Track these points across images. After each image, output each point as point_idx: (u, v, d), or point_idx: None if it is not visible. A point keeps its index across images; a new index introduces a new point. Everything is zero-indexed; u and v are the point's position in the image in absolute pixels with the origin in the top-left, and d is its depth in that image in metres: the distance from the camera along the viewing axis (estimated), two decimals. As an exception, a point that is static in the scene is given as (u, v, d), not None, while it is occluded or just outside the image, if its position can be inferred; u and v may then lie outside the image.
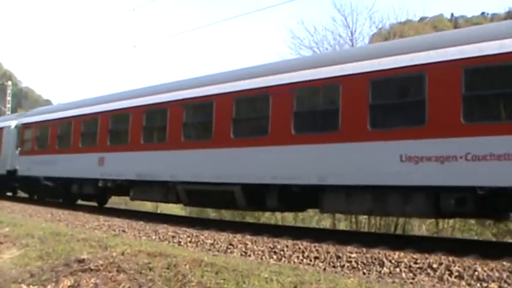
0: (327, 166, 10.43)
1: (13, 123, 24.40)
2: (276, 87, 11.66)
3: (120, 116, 16.56)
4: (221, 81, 13.24)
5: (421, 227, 21.14)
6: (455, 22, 70.48)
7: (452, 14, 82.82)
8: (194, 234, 11.28)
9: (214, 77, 14.31)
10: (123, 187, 16.11)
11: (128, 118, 16.00)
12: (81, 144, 18.36)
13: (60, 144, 19.79)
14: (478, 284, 6.72)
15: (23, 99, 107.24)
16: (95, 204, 20.59)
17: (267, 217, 23.52)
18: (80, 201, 20.78)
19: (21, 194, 26.93)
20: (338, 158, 10.29)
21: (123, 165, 15.89)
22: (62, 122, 19.96)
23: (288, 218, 23.34)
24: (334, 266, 8.23)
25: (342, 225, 21.79)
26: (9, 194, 27.04)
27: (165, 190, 14.26)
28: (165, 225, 13.02)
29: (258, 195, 11.93)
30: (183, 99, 14.02)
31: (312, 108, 11.33)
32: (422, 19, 36.63)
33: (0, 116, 36.16)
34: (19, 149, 22.77)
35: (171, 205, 28.81)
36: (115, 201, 25.89)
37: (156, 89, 15.92)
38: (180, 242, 10.94)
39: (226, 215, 24.91)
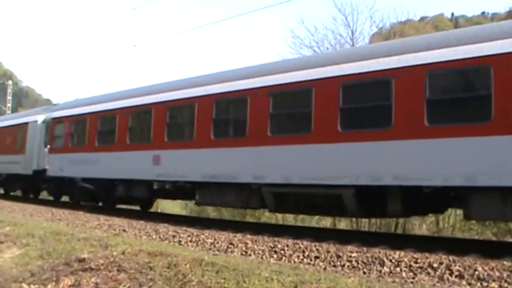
0: (479, 164, 8.56)
1: (40, 118, 22.04)
2: (408, 69, 9.54)
3: (181, 107, 14.27)
4: (322, 65, 11.14)
5: (421, 227, 21.13)
6: (456, 22, 70.48)
7: (452, 14, 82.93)
8: (195, 234, 11.29)
9: (312, 59, 12.28)
10: (186, 190, 14.01)
11: (192, 110, 13.62)
12: (129, 141, 15.94)
13: (102, 140, 17.32)
14: (479, 284, 6.72)
15: (23, 98, 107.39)
16: (137, 208, 19.02)
17: (267, 216, 23.50)
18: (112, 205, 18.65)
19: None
20: (494, 154, 8.42)
21: (186, 164, 13.62)
22: (103, 115, 17.39)
23: (288, 218, 23.32)
24: (334, 266, 8.23)
25: (342, 225, 21.78)
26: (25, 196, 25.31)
27: (246, 194, 12.28)
28: (166, 225, 13.02)
29: (374, 199, 10.15)
30: (270, 86, 11.81)
31: (454, 93, 9.35)
32: (422, 19, 36.68)
33: (0, 116, 36.10)
34: (48, 146, 20.34)
35: (171, 204, 28.77)
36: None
37: (232, 75, 13.49)
38: (180, 241, 10.95)
39: (227, 214, 24.92)
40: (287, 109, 11.92)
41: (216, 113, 13.06)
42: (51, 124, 20.60)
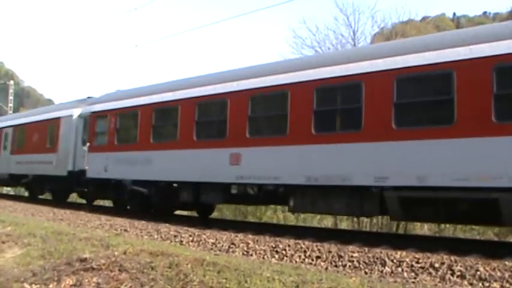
0: None
1: (75, 112, 19.43)
2: None
3: (268, 96, 12.19)
4: (465, 43, 9.30)
5: (422, 227, 21.09)
6: (457, 22, 70.53)
7: (454, 14, 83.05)
8: (196, 234, 11.29)
9: (449, 36, 10.51)
10: (277, 195, 11.96)
11: (284, 99, 11.52)
12: (196, 137, 13.65)
13: (159, 136, 15.12)
14: (480, 284, 6.72)
15: (24, 98, 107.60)
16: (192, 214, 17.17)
17: (268, 216, 23.50)
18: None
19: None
20: None
21: (277, 164, 11.53)
22: (160, 107, 15.06)
23: (289, 218, 23.32)
24: (336, 266, 8.24)
25: (344, 225, 21.76)
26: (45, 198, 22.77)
27: (359, 199, 10.33)
28: (167, 225, 13.02)
29: None
30: (395, 70, 9.86)
31: None
32: (424, 18, 36.76)
33: (2, 115, 36.05)
34: (88, 144, 17.79)
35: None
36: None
37: (339, 57, 11.50)
38: (182, 241, 10.95)
39: (228, 213, 24.91)
40: (418, 97, 9.77)
41: (317, 103, 10.96)
42: (92, 119, 18.06)
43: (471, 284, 6.77)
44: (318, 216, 22.35)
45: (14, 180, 24.19)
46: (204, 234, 11.23)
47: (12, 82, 46.81)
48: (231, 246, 10.04)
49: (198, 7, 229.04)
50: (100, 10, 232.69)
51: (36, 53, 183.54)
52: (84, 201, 21.93)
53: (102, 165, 16.77)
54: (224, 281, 6.70)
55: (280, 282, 6.42)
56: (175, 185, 14.54)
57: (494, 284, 6.63)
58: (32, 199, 23.11)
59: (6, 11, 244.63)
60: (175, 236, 11.36)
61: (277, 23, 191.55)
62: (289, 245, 9.49)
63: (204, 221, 14.69)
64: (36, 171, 21.44)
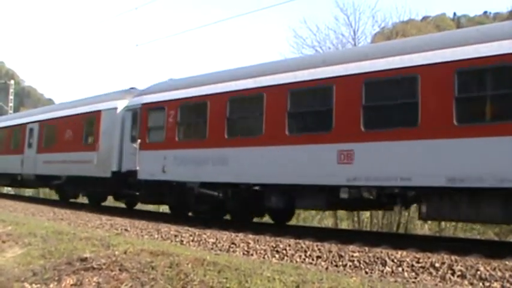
0: None
1: (120, 104, 17.02)
2: None
3: (388, 82, 10.05)
4: None
5: (423, 227, 21.11)
6: (458, 21, 70.51)
7: (454, 13, 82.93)
8: (196, 233, 11.29)
9: None
10: (405, 198, 10.06)
11: (412, 84, 9.50)
12: (289, 131, 11.50)
13: (236, 131, 12.94)
14: (481, 284, 6.72)
15: (25, 98, 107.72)
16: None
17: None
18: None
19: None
20: None
21: (404, 162, 9.47)
22: (238, 97, 12.80)
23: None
24: (336, 265, 8.23)
25: (344, 225, 21.77)
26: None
27: None
28: (168, 224, 13.03)
29: None
30: None
31: None
32: (424, 18, 36.83)
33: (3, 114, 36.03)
34: (139, 141, 15.40)
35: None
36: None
37: (490, 34, 9.17)
38: (182, 241, 10.96)
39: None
40: None
41: (460, 88, 8.89)
42: (143, 111, 15.67)
43: (472, 284, 6.77)
44: (318, 216, 22.37)
45: (41, 181, 21.91)
46: (205, 233, 11.23)
47: (12, 82, 46.95)
48: (232, 246, 10.05)
49: (199, 7, 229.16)
50: (100, 10, 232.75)
51: (36, 53, 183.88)
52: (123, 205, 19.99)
53: (158, 166, 14.56)
54: (225, 280, 6.71)
55: (281, 282, 6.43)
56: (258, 187, 12.33)
57: (495, 284, 6.63)
58: (65, 203, 20.75)
59: (7, 11, 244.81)
60: (175, 236, 11.37)
61: (278, 23, 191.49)
62: (289, 245, 9.49)
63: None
64: (71, 171, 18.86)
